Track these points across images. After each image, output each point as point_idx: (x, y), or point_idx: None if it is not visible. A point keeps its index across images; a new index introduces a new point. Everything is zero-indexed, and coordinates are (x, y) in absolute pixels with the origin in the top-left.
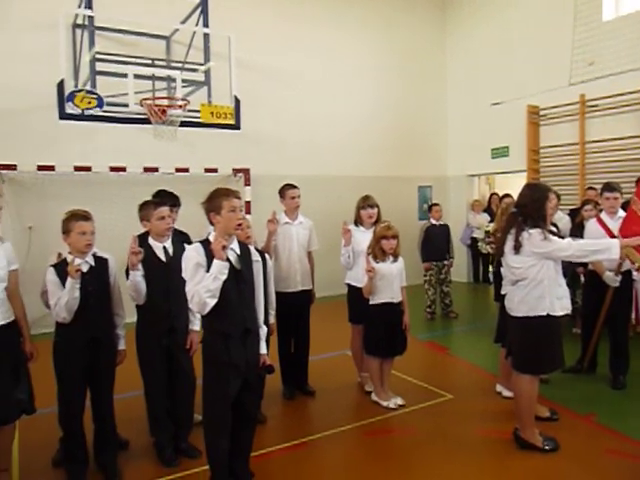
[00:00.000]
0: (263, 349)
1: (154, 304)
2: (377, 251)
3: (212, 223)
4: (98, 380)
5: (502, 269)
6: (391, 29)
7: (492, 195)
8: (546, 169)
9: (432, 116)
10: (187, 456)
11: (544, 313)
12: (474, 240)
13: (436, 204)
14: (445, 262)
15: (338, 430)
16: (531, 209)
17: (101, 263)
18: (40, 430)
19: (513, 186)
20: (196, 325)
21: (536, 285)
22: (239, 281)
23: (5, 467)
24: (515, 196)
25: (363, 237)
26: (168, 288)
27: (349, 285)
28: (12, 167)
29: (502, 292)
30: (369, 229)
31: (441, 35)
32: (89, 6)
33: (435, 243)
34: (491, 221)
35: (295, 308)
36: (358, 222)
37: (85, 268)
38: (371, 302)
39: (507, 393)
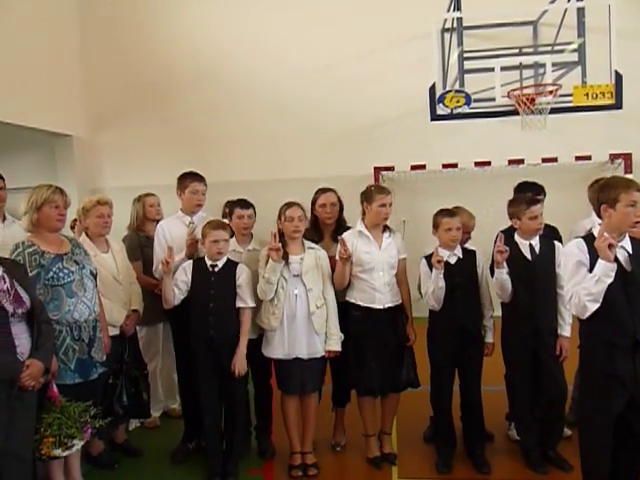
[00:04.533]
0: None
1: (518, 303)
2: None
3: (599, 215)
4: (466, 368)
5: None
6: None
7: None
8: None
9: None
10: (556, 467)
11: None
12: None
13: None
14: None
15: None
16: None
17: (469, 255)
18: (415, 405)
19: None
20: (565, 331)
21: None
22: (629, 284)
23: (388, 432)
24: None
25: None
26: (533, 288)
27: None
28: (390, 168)
29: None
30: None
31: None
32: (458, 8)
33: None
34: None
35: None
36: None
37: (452, 260)
38: None
39: None
